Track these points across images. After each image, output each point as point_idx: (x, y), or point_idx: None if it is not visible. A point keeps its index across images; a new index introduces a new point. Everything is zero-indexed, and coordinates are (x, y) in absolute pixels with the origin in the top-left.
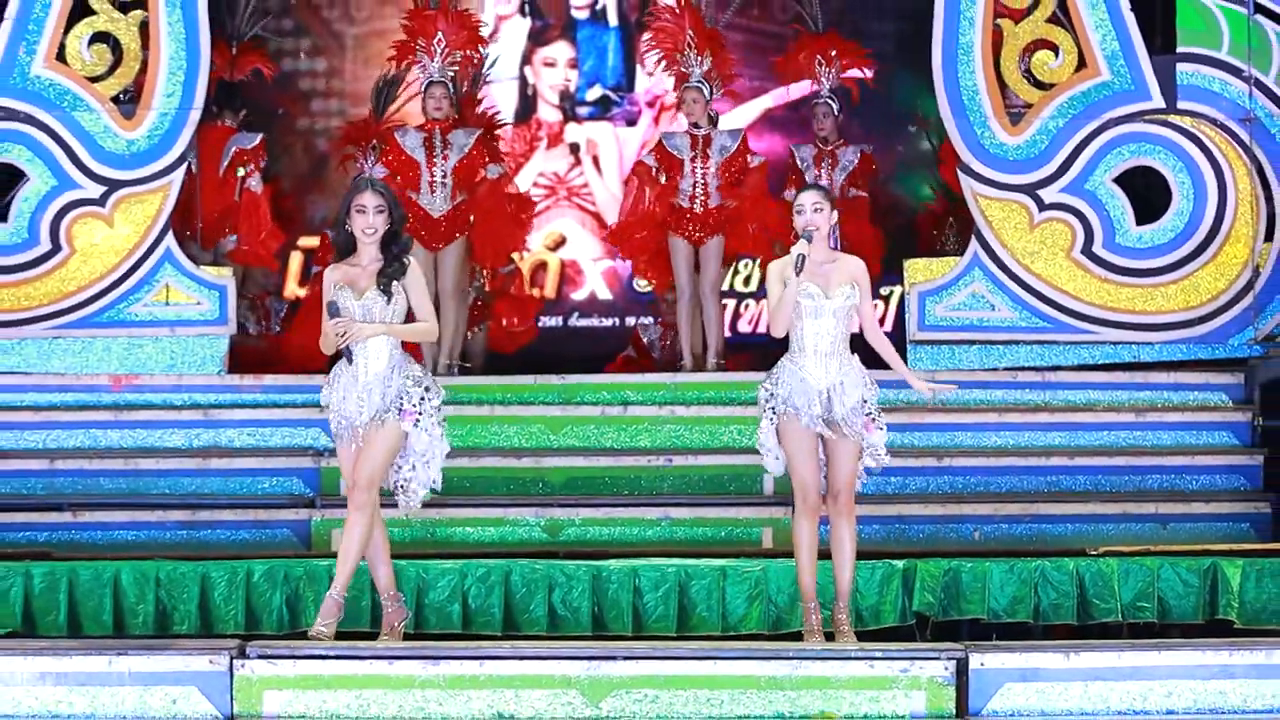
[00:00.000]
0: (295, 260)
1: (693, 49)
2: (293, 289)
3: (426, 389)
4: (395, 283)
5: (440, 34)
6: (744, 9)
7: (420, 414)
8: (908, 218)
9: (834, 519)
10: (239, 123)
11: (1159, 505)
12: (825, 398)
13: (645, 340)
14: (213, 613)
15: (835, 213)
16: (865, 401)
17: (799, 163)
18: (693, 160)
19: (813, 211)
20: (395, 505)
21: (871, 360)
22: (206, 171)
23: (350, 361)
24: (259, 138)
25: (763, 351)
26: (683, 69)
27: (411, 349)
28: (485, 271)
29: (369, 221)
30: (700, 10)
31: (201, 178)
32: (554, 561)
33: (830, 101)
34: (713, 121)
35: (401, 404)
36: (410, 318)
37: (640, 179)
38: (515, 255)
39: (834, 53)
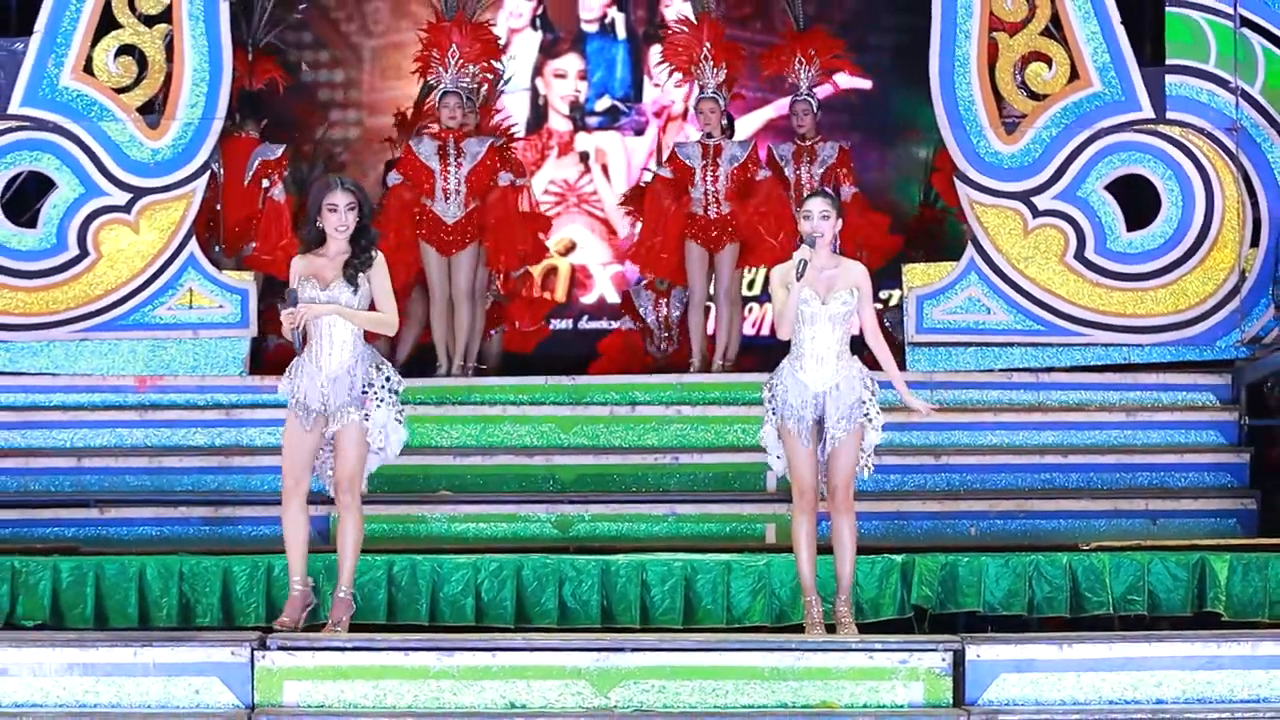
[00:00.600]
0: None
1: (709, 60)
2: None
3: (388, 377)
4: (361, 274)
5: (455, 46)
6: (746, 22)
7: (381, 401)
8: (899, 223)
9: (834, 515)
10: (259, 132)
11: (1149, 502)
12: (820, 401)
13: (639, 307)
14: (234, 606)
15: (840, 220)
16: (863, 403)
17: (779, 160)
18: (704, 169)
19: (820, 219)
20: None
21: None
22: (231, 181)
23: (299, 351)
24: (282, 149)
25: (767, 353)
26: (698, 81)
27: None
28: (499, 276)
29: (341, 220)
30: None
31: (226, 186)
32: (564, 556)
33: (809, 99)
34: (726, 131)
35: (365, 392)
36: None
37: (658, 195)
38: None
39: (814, 52)
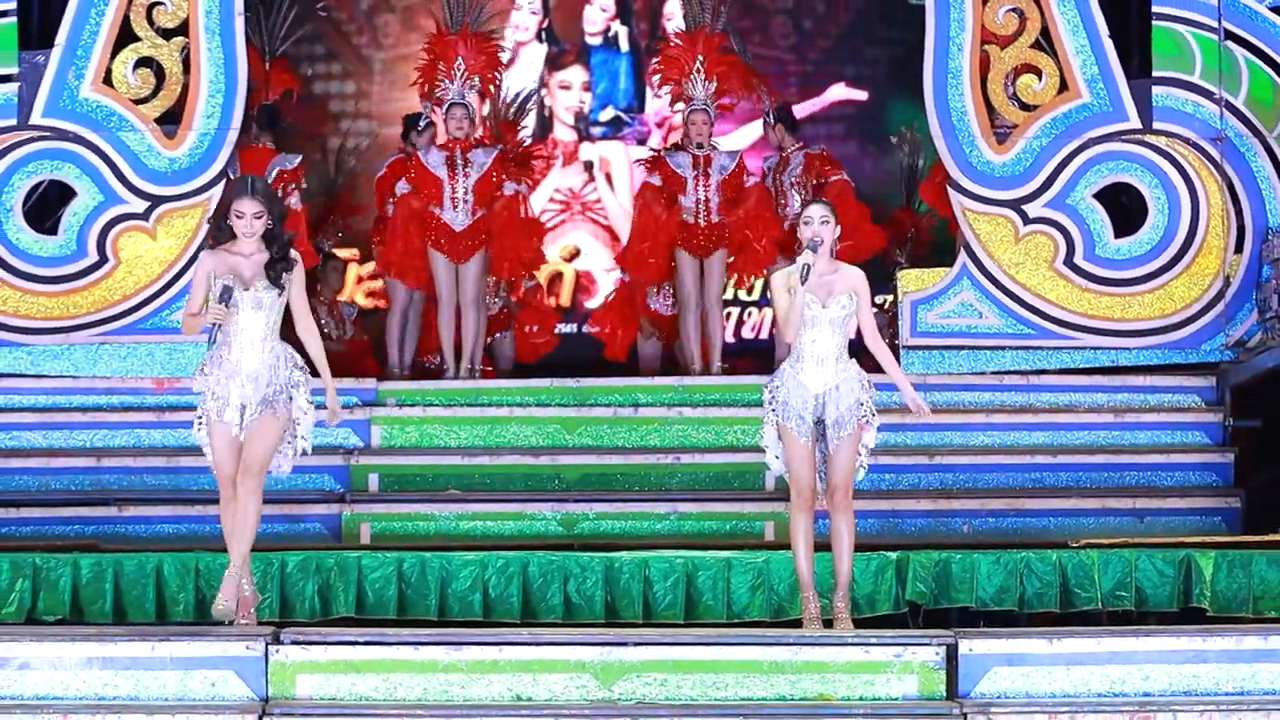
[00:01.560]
0: (351, 270)
1: (700, 74)
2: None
3: (302, 369)
4: (285, 275)
5: (460, 59)
6: (744, 35)
7: (298, 388)
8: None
9: (833, 513)
10: (275, 143)
11: (1136, 500)
12: (820, 402)
13: None
14: None
15: (839, 227)
16: (861, 404)
17: (765, 171)
18: (695, 179)
19: (820, 224)
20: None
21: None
22: None
23: (212, 341)
24: (299, 159)
25: (766, 356)
26: (688, 93)
27: (433, 346)
28: (506, 283)
29: (247, 226)
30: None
31: None
32: (569, 553)
33: (769, 115)
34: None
35: (289, 390)
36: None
37: (648, 202)
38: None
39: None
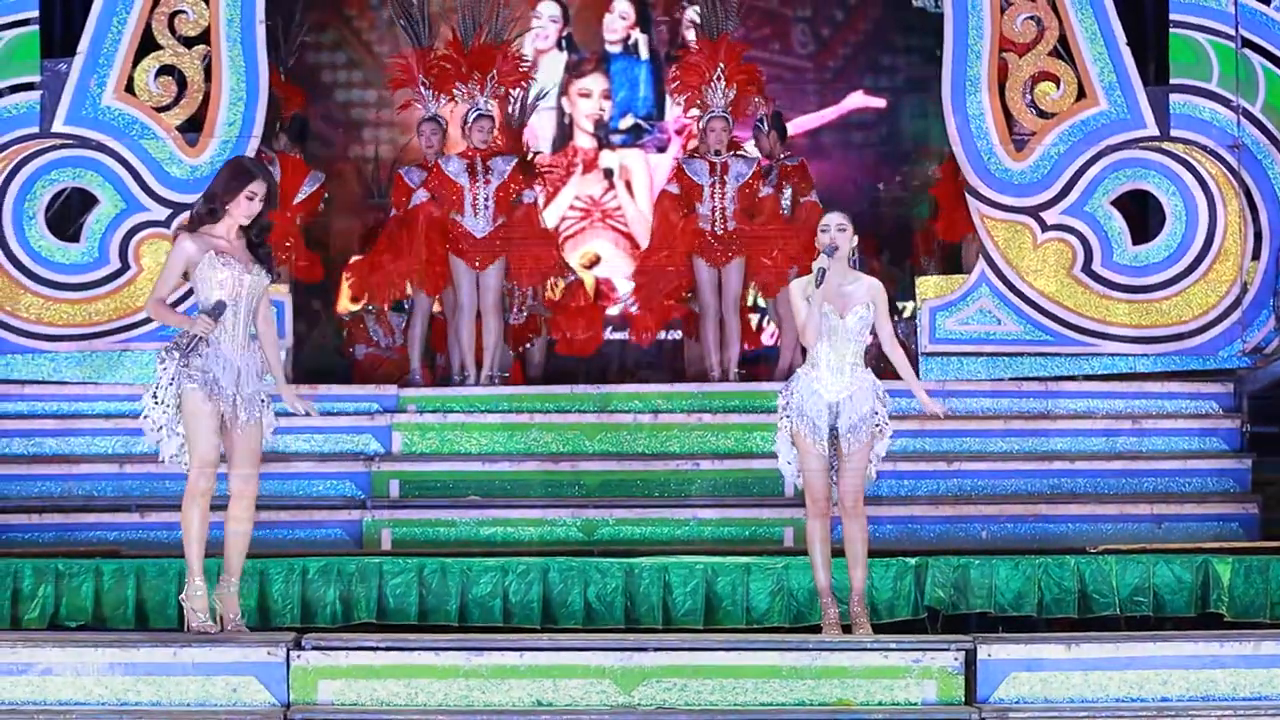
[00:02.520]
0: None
1: (720, 81)
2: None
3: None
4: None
5: (495, 70)
6: (763, 43)
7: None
8: (907, 237)
9: (845, 520)
10: (303, 154)
11: (1154, 506)
12: (835, 409)
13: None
14: (270, 607)
15: (856, 236)
16: (875, 413)
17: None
18: (711, 186)
19: (836, 231)
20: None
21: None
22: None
23: (186, 352)
24: (323, 176)
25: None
26: (707, 100)
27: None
28: (534, 288)
29: (255, 208)
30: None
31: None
32: (589, 559)
33: (761, 123)
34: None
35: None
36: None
37: (666, 211)
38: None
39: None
